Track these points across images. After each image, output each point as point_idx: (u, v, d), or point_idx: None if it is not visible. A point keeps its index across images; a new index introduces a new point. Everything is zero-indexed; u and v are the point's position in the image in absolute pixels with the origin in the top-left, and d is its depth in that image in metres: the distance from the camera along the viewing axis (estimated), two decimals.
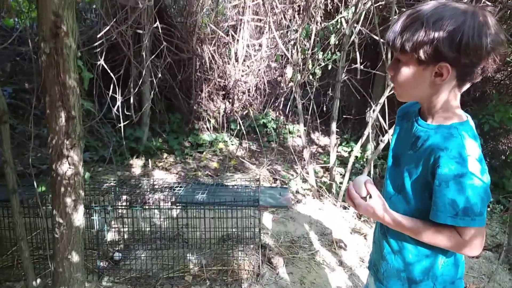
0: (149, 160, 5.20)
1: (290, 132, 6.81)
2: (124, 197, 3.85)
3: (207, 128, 6.34)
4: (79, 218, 2.64)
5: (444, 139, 1.27)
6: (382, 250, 1.52)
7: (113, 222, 3.47)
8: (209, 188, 3.18)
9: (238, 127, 6.33)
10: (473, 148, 1.23)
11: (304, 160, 4.93)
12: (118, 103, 3.62)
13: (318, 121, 5.20)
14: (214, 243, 3.50)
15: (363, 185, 1.37)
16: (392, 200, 1.43)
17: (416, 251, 1.42)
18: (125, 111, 4.25)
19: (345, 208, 4.32)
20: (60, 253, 2.61)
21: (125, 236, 3.46)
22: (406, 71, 1.27)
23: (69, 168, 2.50)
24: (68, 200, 2.55)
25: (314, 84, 4.47)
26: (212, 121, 6.30)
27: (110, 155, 4.75)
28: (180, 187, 3.14)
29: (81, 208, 2.63)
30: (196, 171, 5.22)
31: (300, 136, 6.82)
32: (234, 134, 6.33)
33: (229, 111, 6.61)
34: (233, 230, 3.53)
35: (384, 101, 3.80)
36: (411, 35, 1.18)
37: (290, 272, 3.21)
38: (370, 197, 1.37)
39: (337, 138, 6.75)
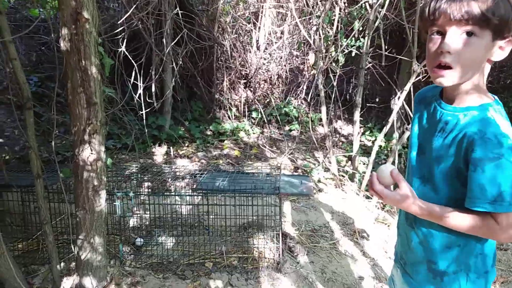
0: (171, 148, 5.23)
1: (312, 121, 6.72)
2: (146, 183, 3.88)
3: (229, 117, 6.33)
4: (101, 204, 2.67)
5: (477, 121, 1.19)
6: (410, 241, 1.45)
7: (135, 208, 3.51)
8: (230, 175, 3.17)
9: (259, 116, 6.29)
10: (508, 129, 1.15)
11: (327, 149, 4.86)
12: (140, 90, 3.63)
13: (341, 109, 5.10)
14: (234, 230, 3.49)
15: (389, 174, 1.31)
16: (418, 190, 1.36)
17: (447, 240, 1.34)
18: (147, 99, 4.27)
19: (368, 197, 4.24)
20: (83, 237, 2.65)
21: (147, 222, 3.49)
22: (479, 45, 1.14)
23: (91, 153, 2.52)
24: (90, 186, 2.58)
25: (337, 71, 4.37)
26: (234, 109, 6.28)
27: (132, 142, 4.80)
28: (201, 174, 3.13)
29: (103, 194, 2.66)
30: (218, 159, 5.22)
31: (321, 125, 6.74)
32: (255, 123, 6.29)
33: (250, 100, 6.57)
34: (254, 218, 3.52)
35: (410, 88, 3.68)
36: (495, 5, 1.10)
37: (311, 261, 3.17)
38: (396, 186, 1.31)
39: (360, 127, 6.64)
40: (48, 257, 2.79)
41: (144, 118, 5.12)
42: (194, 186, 2.91)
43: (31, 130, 2.65)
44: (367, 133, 6.44)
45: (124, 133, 5.19)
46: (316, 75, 3.98)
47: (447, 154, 1.26)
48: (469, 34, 1.13)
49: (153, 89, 3.71)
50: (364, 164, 5.16)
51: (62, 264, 2.93)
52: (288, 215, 3.81)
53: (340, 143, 6.31)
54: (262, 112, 6.04)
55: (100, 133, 2.46)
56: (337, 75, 4.34)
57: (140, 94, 3.55)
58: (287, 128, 6.49)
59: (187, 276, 2.91)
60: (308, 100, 6.99)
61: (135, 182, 3.14)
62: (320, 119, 6.77)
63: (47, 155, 4.69)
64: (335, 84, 4.27)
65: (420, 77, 3.48)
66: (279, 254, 3.10)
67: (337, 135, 6.57)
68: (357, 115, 4.24)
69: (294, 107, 6.78)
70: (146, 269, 2.96)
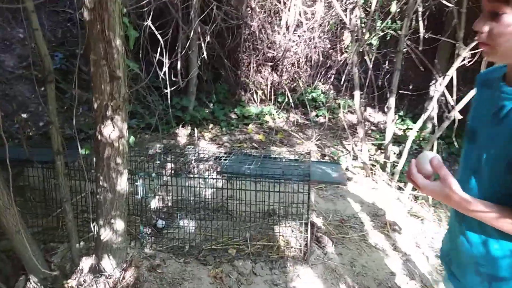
0: (196, 129, 5.10)
1: (340, 107, 6.47)
2: (169, 165, 3.77)
3: (254, 100, 6.15)
4: (123, 183, 2.55)
5: None
6: (457, 240, 1.27)
7: (157, 190, 3.39)
8: (256, 160, 3.00)
9: (286, 100, 6.09)
10: None
11: (356, 136, 4.63)
12: (165, 68, 3.49)
13: (374, 95, 4.84)
14: (258, 217, 3.35)
15: (428, 162, 1.13)
16: (465, 182, 1.18)
17: (501, 243, 1.15)
18: (172, 78, 4.13)
19: (400, 188, 4.01)
20: (103, 217, 2.54)
21: (169, 204, 3.38)
22: (505, 22, 1.07)
23: (113, 130, 2.39)
24: (112, 164, 2.46)
25: (373, 54, 4.11)
26: (260, 92, 6.09)
27: (156, 122, 4.70)
28: (226, 157, 2.98)
29: (125, 173, 2.54)
30: (242, 143, 5.07)
31: (351, 112, 6.48)
32: (281, 107, 6.10)
33: (276, 83, 6.36)
34: (279, 204, 3.36)
35: (453, 73, 3.41)
36: None
37: (339, 253, 3.00)
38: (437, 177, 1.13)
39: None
40: (68, 236, 2.71)
41: (168, 98, 5.00)
42: (219, 169, 2.76)
43: (53, 104, 2.53)
44: (398, 121, 6.16)
45: (147, 113, 5.09)
46: (350, 57, 3.74)
47: (498, 143, 1.08)
48: (495, 13, 1.09)
49: (179, 67, 3.56)
50: (394, 153, 4.92)
51: (82, 243, 2.85)
52: (315, 203, 3.63)
53: (370, 131, 6.05)
54: (290, 96, 5.84)
55: (123, 109, 2.32)
56: (372, 58, 4.08)
57: (165, 72, 3.41)
58: (313, 113, 6.27)
59: (209, 262, 2.78)
60: (337, 84, 6.73)
61: (158, 162, 3.02)
62: (349, 106, 6.51)
63: (70, 132, 4.63)
64: (370, 67, 4.02)
65: (466, 61, 3.21)
66: (306, 244, 2.94)
67: (367, 123, 6.31)
68: (392, 101, 3.99)
69: (322, 92, 6.53)
70: (166, 253, 2.85)
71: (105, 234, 2.56)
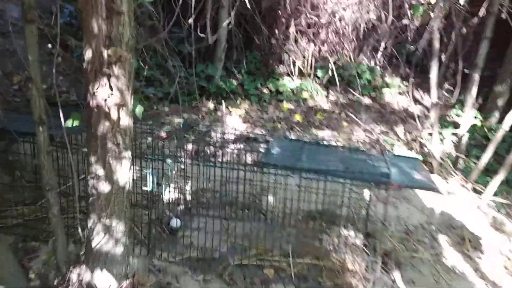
0: (223, 103, 4.32)
1: (388, 86, 5.59)
2: (190, 146, 3.02)
3: (290, 73, 5.31)
4: (124, 171, 1.82)
5: None
6: None
7: (172, 179, 2.65)
8: (305, 148, 2.23)
9: (327, 76, 5.24)
10: None
11: (409, 122, 3.80)
12: (191, 19, 2.70)
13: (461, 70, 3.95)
14: (299, 220, 2.61)
15: None
16: None
17: None
18: (198, 32, 3.35)
19: (476, 191, 3.19)
20: (95, 216, 1.83)
21: (187, 198, 2.65)
22: None
23: (111, 94, 1.64)
24: (110, 144, 1.72)
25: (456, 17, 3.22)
26: (298, 64, 5.25)
27: (176, 92, 3.95)
28: (264, 141, 2.21)
29: (127, 157, 1.81)
30: (275, 122, 4.29)
31: (400, 93, 5.59)
32: (322, 83, 5.25)
33: (317, 55, 5.49)
34: (324, 205, 2.61)
35: None
36: None
37: (411, 280, 2.24)
38: None
39: (446, 100, 5.46)
40: (53, 234, 2.02)
41: (193, 60, 4.23)
42: (257, 157, 2.01)
43: (33, 51, 1.80)
44: (457, 106, 5.26)
45: (167, 80, 4.33)
46: (433, 17, 2.86)
47: None
48: None
49: (207, 21, 2.77)
50: (453, 143, 4.09)
51: (72, 245, 2.16)
52: (371, 206, 2.84)
53: (422, 116, 5.16)
54: (335, 70, 4.99)
55: (126, 63, 1.56)
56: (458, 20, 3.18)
57: (190, 25, 2.62)
58: (358, 92, 5.41)
59: (236, 283, 2.07)
60: (389, 60, 5.82)
61: (175, 143, 2.27)
62: (399, 86, 5.63)
63: (76, 99, 3.93)
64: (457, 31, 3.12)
65: None
66: (367, 266, 2.18)
67: (419, 107, 5.42)
68: (475, 80, 3.12)
69: (368, 68, 5.64)
70: (181, 266, 2.13)
71: (98, 239, 1.85)
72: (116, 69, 1.53)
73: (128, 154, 1.75)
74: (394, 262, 2.31)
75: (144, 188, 2.15)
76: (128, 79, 1.64)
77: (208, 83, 4.53)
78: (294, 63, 5.27)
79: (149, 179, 2.03)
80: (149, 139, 2.29)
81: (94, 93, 1.61)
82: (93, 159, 1.72)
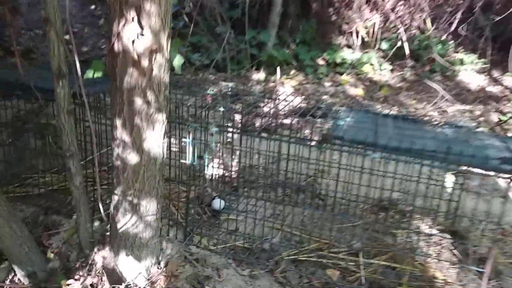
0: (277, 71, 3.86)
1: (462, 63, 4.90)
2: (237, 117, 2.62)
3: (348, 46, 4.76)
4: (156, 137, 1.45)
5: None
6: None
7: (216, 151, 2.27)
8: (388, 122, 1.75)
9: (392, 48, 4.64)
10: None
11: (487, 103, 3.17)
12: None
13: None
14: (366, 209, 2.15)
15: None
16: None
17: None
18: None
19: None
20: (120, 192, 1.49)
21: (233, 175, 2.26)
22: None
23: (141, 34, 1.25)
24: (138, 101, 1.35)
25: None
26: (362, 32, 4.68)
27: (225, 61, 3.57)
28: (338, 112, 1.76)
29: (160, 120, 1.43)
30: (333, 96, 3.80)
31: (477, 71, 4.88)
32: (387, 57, 4.66)
33: (381, 26, 4.89)
34: (399, 195, 2.13)
35: None
36: None
37: None
38: None
39: None
40: (74, 208, 1.71)
41: (246, 24, 3.80)
42: (330, 130, 1.56)
43: None
44: None
45: (215, 48, 3.94)
46: None
47: None
48: None
49: None
50: None
51: (96, 223, 1.83)
52: (453, 198, 2.32)
53: (502, 98, 4.46)
54: (403, 42, 4.39)
55: None
56: None
57: None
58: (427, 68, 4.77)
59: (290, 283, 1.66)
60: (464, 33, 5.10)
61: (221, 110, 1.86)
62: (475, 63, 4.92)
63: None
64: None
65: None
66: (458, 273, 1.70)
67: (498, 87, 4.70)
68: None
69: (440, 42, 4.96)
70: (223, 256, 1.75)
71: (123, 220, 1.50)
72: (147, 2, 1.13)
73: (162, 116, 1.36)
74: (489, 268, 1.80)
75: (182, 161, 1.77)
76: (163, 17, 1.24)
77: (260, 51, 4.10)
78: (357, 33, 4.70)
79: (189, 150, 1.65)
80: (191, 103, 1.90)
81: (118, 33, 1.22)
82: (117, 121, 1.35)
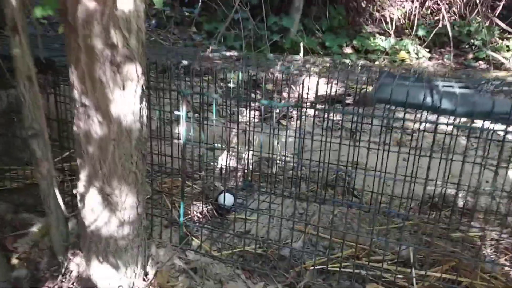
0: (301, 48, 3.46)
1: (509, 49, 4.36)
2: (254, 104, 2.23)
3: (382, 32, 4.32)
4: (128, 100, 1.04)
5: None
6: None
7: (219, 127, 1.88)
8: (439, 89, 1.31)
9: (429, 35, 4.17)
10: None
11: None
12: None
13: None
14: (413, 207, 1.71)
15: None
16: None
17: None
18: None
19: None
20: (85, 180, 1.12)
21: (246, 163, 1.86)
22: None
23: None
24: (99, 44, 0.94)
25: None
26: (397, 18, 4.23)
27: (242, 47, 3.20)
28: (381, 74, 1.35)
29: (133, 74, 1.01)
30: (365, 84, 3.35)
31: None
32: (424, 44, 4.19)
33: (418, 11, 4.42)
34: (451, 191, 1.68)
35: None
36: None
37: None
38: None
39: None
40: (42, 201, 1.36)
41: (264, 11, 3.43)
42: (374, 92, 1.16)
43: None
44: None
45: (235, 34, 3.59)
46: None
47: None
48: None
49: None
50: None
51: (73, 222, 1.47)
52: None
53: None
54: (445, 27, 3.92)
55: None
56: None
57: None
58: (469, 56, 4.26)
59: None
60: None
61: (231, 77, 1.48)
62: None
63: None
64: None
65: None
66: None
67: None
68: None
69: (483, 28, 4.44)
70: (230, 264, 1.35)
71: (92, 216, 1.13)
72: None
73: (135, 69, 0.99)
74: None
75: (176, 140, 1.39)
76: None
77: (283, 37, 3.71)
78: (390, 19, 4.26)
79: (182, 123, 1.27)
80: (184, 62, 1.52)
81: None
82: (74, 74, 0.98)
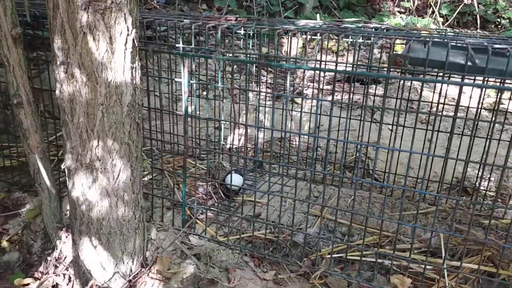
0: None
1: None
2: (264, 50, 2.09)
3: (403, 11, 4.09)
4: (119, 55, 0.88)
5: None
6: None
7: (226, 98, 1.73)
8: (464, 53, 1.13)
9: (454, 13, 3.93)
10: None
11: None
12: None
13: None
14: (440, 191, 1.55)
15: None
16: None
17: None
18: None
19: None
20: (71, 151, 0.98)
21: (257, 145, 1.71)
22: None
23: None
24: None
25: None
26: None
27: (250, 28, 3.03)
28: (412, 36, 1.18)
29: (122, 23, 0.85)
30: (385, 64, 3.16)
31: None
32: (446, 23, 3.96)
33: None
34: (479, 173, 1.52)
35: None
36: None
37: None
38: None
39: None
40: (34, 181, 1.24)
41: None
42: (405, 52, 1.01)
43: None
44: None
45: (247, 11, 3.42)
46: None
47: None
48: None
49: None
50: None
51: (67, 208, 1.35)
52: None
53: None
54: (472, 5, 3.67)
55: None
56: None
57: None
58: (496, 34, 4.00)
59: None
60: None
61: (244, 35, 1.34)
62: None
63: None
64: None
65: None
66: None
67: None
68: None
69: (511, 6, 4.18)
70: (237, 251, 1.22)
71: (81, 192, 1.00)
72: None
73: (126, 19, 0.84)
74: None
75: (179, 106, 1.25)
76: None
77: (296, 14, 3.52)
78: None
79: (184, 90, 1.13)
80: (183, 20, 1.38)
81: None
82: (53, 25, 0.84)
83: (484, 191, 1.48)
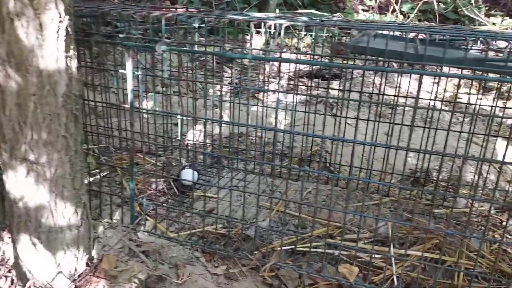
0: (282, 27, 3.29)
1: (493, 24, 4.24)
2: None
3: (365, 9, 4.16)
4: (50, 43, 0.83)
5: None
6: None
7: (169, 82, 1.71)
8: (417, 46, 1.15)
9: (413, 10, 4.03)
10: None
11: None
12: None
13: None
14: (393, 183, 1.58)
15: None
16: None
17: None
18: None
19: None
20: (7, 143, 0.92)
21: (213, 141, 1.69)
22: None
23: None
24: None
25: None
26: None
27: (216, 23, 3.00)
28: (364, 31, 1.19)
29: (53, 9, 0.78)
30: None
31: None
32: (407, 20, 4.05)
33: None
34: (433, 165, 1.56)
35: None
36: None
37: None
38: None
39: None
40: None
41: None
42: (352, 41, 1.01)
43: None
44: None
45: (203, 4, 3.38)
46: None
47: None
48: None
49: None
50: None
51: None
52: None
53: None
54: (431, 3, 3.77)
55: None
56: None
57: None
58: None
59: (286, 285, 1.10)
60: None
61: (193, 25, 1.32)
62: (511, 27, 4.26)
63: None
64: None
65: None
66: None
67: None
68: None
69: (470, 3, 4.32)
70: (188, 246, 1.20)
71: (18, 187, 0.96)
72: None
73: (57, 4, 0.81)
74: None
75: (126, 106, 1.22)
76: None
77: (260, 11, 3.52)
78: None
79: (129, 81, 1.09)
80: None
81: None
82: None
83: (435, 181, 1.51)
